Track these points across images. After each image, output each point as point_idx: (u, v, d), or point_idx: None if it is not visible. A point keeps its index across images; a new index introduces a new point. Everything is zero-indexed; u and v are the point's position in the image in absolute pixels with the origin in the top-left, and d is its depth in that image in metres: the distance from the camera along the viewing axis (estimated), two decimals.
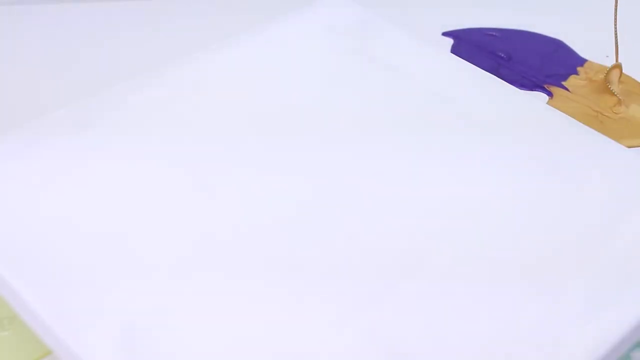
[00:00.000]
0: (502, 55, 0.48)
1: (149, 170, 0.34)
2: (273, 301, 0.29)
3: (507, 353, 0.28)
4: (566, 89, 0.46)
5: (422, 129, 0.36)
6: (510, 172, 0.34)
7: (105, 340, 0.28)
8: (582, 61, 0.48)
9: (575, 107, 0.45)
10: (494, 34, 0.48)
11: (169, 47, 0.47)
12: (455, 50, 0.49)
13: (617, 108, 0.44)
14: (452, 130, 0.36)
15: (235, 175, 0.34)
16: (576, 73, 0.47)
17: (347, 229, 0.32)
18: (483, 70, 0.40)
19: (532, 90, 0.46)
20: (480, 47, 0.49)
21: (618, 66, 0.45)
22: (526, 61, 0.48)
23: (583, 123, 0.37)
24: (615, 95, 0.44)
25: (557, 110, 0.38)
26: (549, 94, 0.46)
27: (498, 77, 0.40)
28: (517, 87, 0.43)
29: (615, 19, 0.44)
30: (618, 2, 0.44)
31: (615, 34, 0.45)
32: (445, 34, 0.50)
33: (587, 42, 0.49)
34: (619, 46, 0.45)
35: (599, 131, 0.37)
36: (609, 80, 0.45)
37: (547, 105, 0.38)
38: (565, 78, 0.47)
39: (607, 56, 0.48)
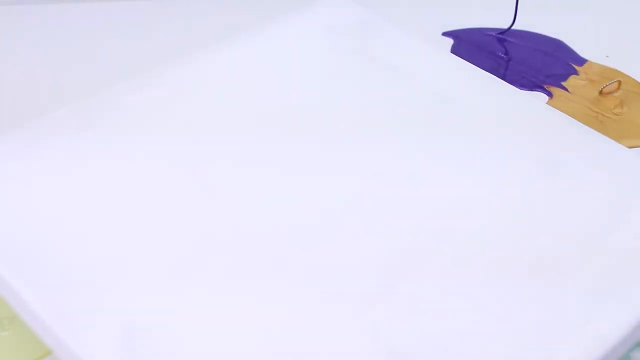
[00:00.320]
0: (502, 55, 0.48)
1: (149, 170, 0.34)
2: (273, 301, 0.29)
3: (507, 353, 0.28)
4: (566, 89, 0.46)
5: (422, 128, 0.36)
6: (510, 172, 0.34)
7: (105, 340, 0.28)
8: (582, 61, 0.48)
9: (575, 107, 0.45)
10: (493, 33, 0.48)
11: (169, 47, 0.47)
12: (455, 50, 0.49)
13: (618, 109, 0.44)
14: (452, 130, 0.36)
15: (235, 175, 0.34)
16: (576, 73, 0.47)
17: (347, 228, 0.32)
18: (483, 70, 0.40)
19: (532, 90, 0.46)
20: (480, 47, 0.49)
21: (618, 82, 0.45)
22: (526, 61, 0.48)
23: (583, 123, 0.37)
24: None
25: (557, 110, 0.38)
26: (549, 94, 0.46)
27: (498, 77, 0.40)
28: (517, 87, 0.43)
29: None
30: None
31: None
32: (445, 34, 0.50)
33: (587, 42, 0.49)
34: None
35: (599, 131, 0.37)
36: (608, 91, 0.45)
37: (547, 105, 0.38)
38: (565, 78, 0.47)
39: (607, 56, 0.48)
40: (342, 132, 0.36)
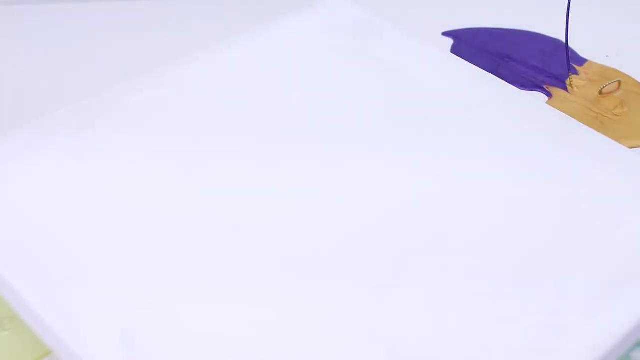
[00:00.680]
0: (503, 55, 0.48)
1: (149, 170, 0.34)
2: (273, 301, 0.29)
3: (507, 353, 0.28)
4: (566, 89, 0.46)
5: (422, 128, 0.36)
6: (510, 171, 0.34)
7: (105, 340, 0.28)
8: (582, 61, 0.48)
9: (575, 107, 0.45)
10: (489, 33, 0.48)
11: (169, 47, 0.47)
12: (455, 50, 0.49)
13: (618, 109, 0.44)
14: (452, 130, 0.36)
15: (235, 175, 0.34)
16: (576, 73, 0.47)
17: (347, 228, 0.32)
18: (483, 70, 0.40)
19: (531, 90, 0.46)
20: (480, 47, 0.49)
21: (618, 82, 0.45)
22: (526, 61, 0.48)
23: (583, 123, 0.37)
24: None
25: (557, 110, 0.38)
26: (548, 94, 0.46)
27: (498, 77, 0.40)
28: (517, 87, 0.43)
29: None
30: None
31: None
32: (445, 34, 0.50)
33: (587, 42, 0.49)
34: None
35: (599, 132, 0.37)
36: (608, 91, 0.45)
37: (547, 105, 0.38)
38: (565, 78, 0.47)
39: (607, 56, 0.48)
40: (342, 132, 0.36)
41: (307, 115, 0.37)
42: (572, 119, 0.37)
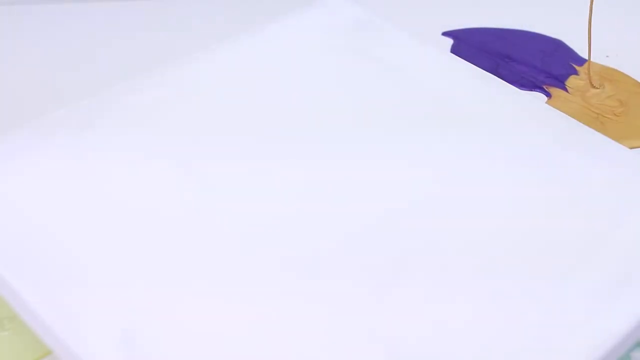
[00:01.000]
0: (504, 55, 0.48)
1: (149, 170, 0.34)
2: (273, 301, 0.29)
3: (507, 353, 0.28)
4: (566, 89, 0.46)
5: (422, 128, 0.36)
6: (510, 171, 0.34)
7: (105, 340, 0.28)
8: (582, 61, 0.48)
9: (574, 107, 0.45)
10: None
11: (169, 47, 0.47)
12: (455, 50, 0.49)
13: (618, 110, 0.44)
14: (452, 130, 0.36)
15: (235, 175, 0.34)
16: (576, 73, 0.47)
17: (347, 228, 0.32)
18: (483, 70, 0.40)
19: (531, 90, 0.46)
20: (480, 47, 0.49)
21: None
22: (526, 61, 0.48)
23: (583, 124, 0.37)
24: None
25: (557, 110, 0.38)
26: (548, 94, 0.46)
27: (498, 77, 0.40)
28: (517, 87, 0.43)
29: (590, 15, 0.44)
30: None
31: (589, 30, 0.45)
32: (445, 34, 0.50)
33: (587, 42, 0.49)
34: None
35: (599, 132, 0.37)
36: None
37: (547, 105, 0.38)
38: (565, 78, 0.47)
39: (607, 56, 0.48)
40: (342, 132, 0.36)
41: (307, 115, 0.37)
42: (572, 119, 0.37)
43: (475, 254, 0.31)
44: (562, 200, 0.33)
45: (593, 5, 0.45)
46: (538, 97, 0.46)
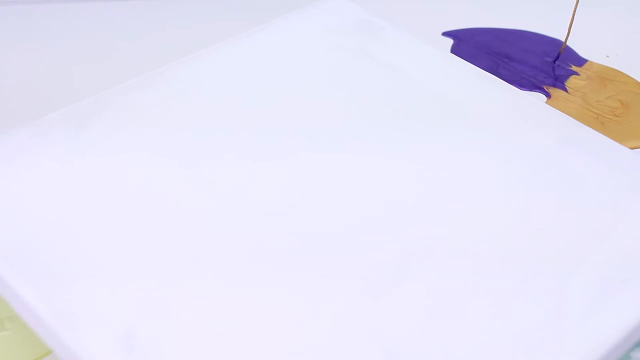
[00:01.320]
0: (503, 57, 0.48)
1: (149, 170, 0.34)
2: (273, 300, 0.29)
3: (507, 353, 0.28)
4: (565, 89, 0.46)
5: (422, 128, 0.36)
6: (510, 171, 0.34)
7: (105, 340, 0.28)
8: (582, 61, 0.48)
9: (574, 108, 0.45)
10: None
11: (169, 47, 0.47)
12: (455, 50, 0.49)
13: (619, 110, 0.44)
14: (452, 129, 0.36)
15: (236, 174, 0.34)
16: (576, 73, 0.47)
17: (347, 227, 0.32)
18: (483, 70, 0.40)
19: (531, 90, 0.46)
20: (480, 47, 0.49)
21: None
22: (526, 61, 0.48)
23: (583, 124, 0.37)
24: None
25: (557, 110, 0.38)
26: (547, 94, 0.46)
27: (498, 77, 0.40)
28: (517, 87, 0.43)
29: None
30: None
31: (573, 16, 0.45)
32: (445, 34, 0.50)
33: (587, 42, 0.49)
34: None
35: (600, 132, 0.37)
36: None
37: (547, 105, 0.38)
38: (565, 78, 0.47)
39: (607, 56, 0.48)
40: (342, 132, 0.36)
41: (307, 115, 0.37)
42: (572, 119, 0.37)
43: (475, 254, 0.31)
44: (562, 200, 0.33)
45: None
46: (538, 97, 0.46)
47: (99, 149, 0.35)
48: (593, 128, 0.37)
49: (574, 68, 0.48)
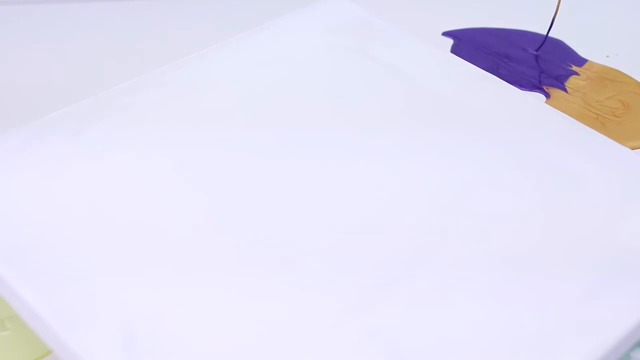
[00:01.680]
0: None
1: (149, 170, 0.34)
2: (273, 300, 0.29)
3: (506, 353, 0.28)
4: (565, 89, 0.46)
5: (422, 128, 0.36)
6: (510, 171, 0.34)
7: (105, 340, 0.28)
8: (582, 61, 0.48)
9: (574, 108, 0.45)
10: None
11: (169, 47, 0.47)
12: (455, 50, 0.49)
13: (619, 110, 0.44)
14: (452, 129, 0.36)
15: (235, 174, 0.34)
16: (576, 73, 0.47)
17: (347, 227, 0.32)
18: (483, 70, 0.40)
19: (531, 90, 0.46)
20: (480, 47, 0.49)
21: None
22: (526, 61, 0.48)
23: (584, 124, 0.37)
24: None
25: (557, 110, 0.38)
26: (546, 94, 0.46)
27: (498, 77, 0.40)
28: (517, 87, 0.43)
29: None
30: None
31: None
32: (445, 34, 0.50)
33: (587, 42, 0.49)
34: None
35: (600, 132, 0.37)
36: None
37: (547, 105, 0.38)
38: (565, 78, 0.47)
39: (607, 56, 0.48)
40: (342, 131, 0.36)
41: (307, 115, 0.37)
42: (573, 119, 0.37)
43: (475, 254, 0.31)
44: (563, 200, 0.33)
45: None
46: (538, 97, 0.46)
47: (98, 149, 0.35)
48: (593, 128, 0.37)
49: (574, 68, 0.48)
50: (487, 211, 0.33)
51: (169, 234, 0.31)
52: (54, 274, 0.30)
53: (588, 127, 0.37)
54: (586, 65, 0.48)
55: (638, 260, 0.31)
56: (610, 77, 0.47)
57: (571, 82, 0.46)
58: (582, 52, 0.49)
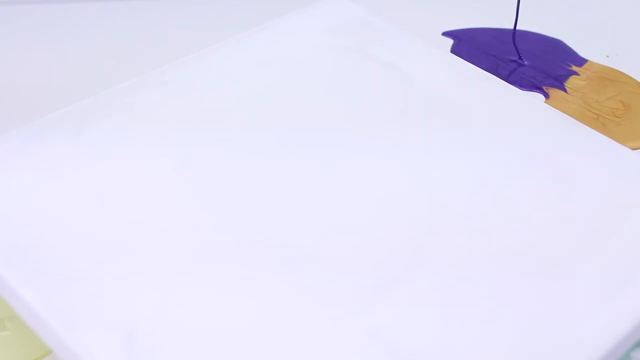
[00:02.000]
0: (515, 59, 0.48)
1: (148, 169, 0.34)
2: (273, 300, 0.29)
3: (507, 353, 0.28)
4: (565, 90, 0.46)
5: (422, 128, 0.36)
6: (510, 171, 0.34)
7: (105, 340, 0.28)
8: (582, 61, 0.48)
9: (574, 108, 0.45)
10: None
11: (169, 47, 0.48)
12: (455, 50, 0.49)
13: (619, 111, 0.44)
14: (451, 129, 0.36)
15: (235, 174, 0.34)
16: (576, 73, 0.47)
17: (347, 227, 0.32)
18: (483, 70, 0.40)
19: (531, 90, 0.46)
20: (480, 47, 0.49)
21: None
22: (526, 61, 0.48)
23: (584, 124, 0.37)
24: None
25: (557, 110, 0.38)
26: (546, 95, 0.46)
27: (498, 77, 0.40)
28: (517, 87, 0.43)
29: None
30: None
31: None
32: (445, 34, 0.50)
33: (587, 42, 0.49)
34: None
35: (601, 132, 0.37)
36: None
37: (547, 105, 0.38)
38: (565, 78, 0.47)
39: (607, 56, 0.48)
40: (342, 131, 0.36)
41: (307, 115, 0.37)
42: (573, 119, 0.37)
43: (475, 254, 0.31)
44: (563, 200, 0.33)
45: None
46: (538, 97, 0.46)
47: (99, 149, 0.35)
48: (594, 128, 0.37)
49: (574, 68, 0.48)
50: (487, 211, 0.33)
51: (169, 233, 0.31)
52: (54, 274, 0.30)
53: (588, 127, 0.37)
54: (586, 65, 0.48)
55: (638, 260, 0.31)
56: (610, 77, 0.47)
57: (571, 82, 0.46)
58: (582, 52, 0.49)
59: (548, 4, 0.53)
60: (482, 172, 0.34)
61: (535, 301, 0.29)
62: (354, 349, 0.28)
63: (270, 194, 0.33)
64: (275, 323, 0.28)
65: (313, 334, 0.28)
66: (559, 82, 0.46)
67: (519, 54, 0.45)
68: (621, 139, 0.39)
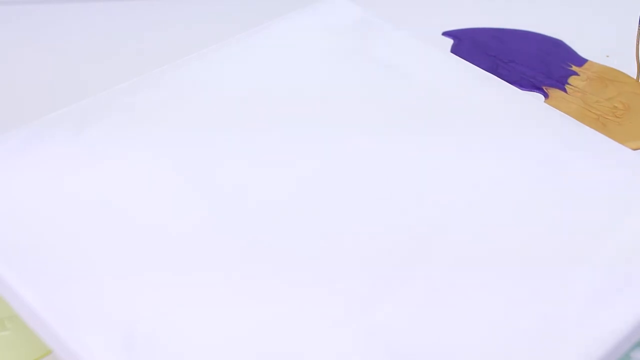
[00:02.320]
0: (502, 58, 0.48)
1: (148, 169, 0.34)
2: (274, 300, 0.29)
3: (507, 353, 0.28)
4: (565, 90, 0.46)
5: (422, 129, 0.36)
6: (511, 171, 0.34)
7: (105, 339, 0.28)
8: (582, 61, 0.48)
9: (574, 108, 0.45)
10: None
11: (169, 47, 0.47)
12: (455, 50, 0.49)
13: (619, 111, 0.44)
14: (452, 129, 0.36)
15: (235, 175, 0.34)
16: (576, 73, 0.47)
17: (347, 227, 0.32)
18: (483, 70, 0.40)
19: (531, 90, 0.46)
20: (480, 47, 0.49)
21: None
22: (526, 61, 0.48)
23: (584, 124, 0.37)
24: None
25: (557, 110, 0.38)
26: (545, 95, 0.46)
27: (498, 77, 0.40)
28: (516, 87, 0.43)
29: None
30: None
31: None
32: (445, 34, 0.50)
33: (587, 42, 0.49)
34: None
35: (601, 133, 0.37)
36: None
37: (547, 105, 0.38)
38: (565, 79, 0.47)
39: (607, 56, 0.48)
40: (342, 132, 0.36)
41: (307, 115, 0.37)
42: (573, 119, 0.37)
43: (475, 253, 0.31)
44: (563, 200, 0.33)
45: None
46: (538, 97, 0.46)
47: (98, 149, 0.35)
48: (594, 129, 0.37)
49: (574, 68, 0.48)
50: (487, 211, 0.33)
51: (169, 233, 0.31)
52: (54, 274, 0.30)
53: (588, 128, 0.37)
54: (586, 65, 0.48)
55: (638, 260, 0.31)
56: (610, 77, 0.47)
57: (571, 82, 0.46)
58: (582, 52, 0.49)
59: (548, 4, 0.53)
60: (482, 172, 0.34)
61: (535, 301, 0.29)
62: (354, 348, 0.28)
63: (269, 194, 0.33)
64: (275, 323, 0.28)
65: (313, 334, 0.28)
66: (559, 82, 0.46)
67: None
68: (621, 139, 0.39)
